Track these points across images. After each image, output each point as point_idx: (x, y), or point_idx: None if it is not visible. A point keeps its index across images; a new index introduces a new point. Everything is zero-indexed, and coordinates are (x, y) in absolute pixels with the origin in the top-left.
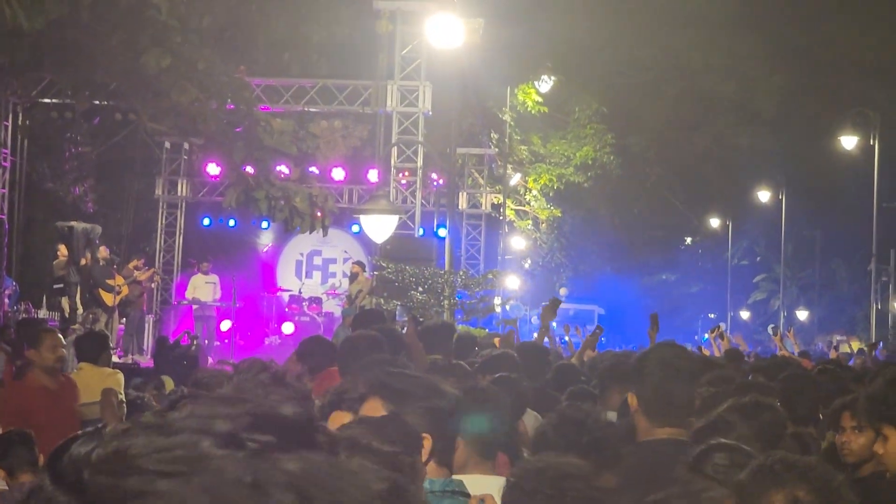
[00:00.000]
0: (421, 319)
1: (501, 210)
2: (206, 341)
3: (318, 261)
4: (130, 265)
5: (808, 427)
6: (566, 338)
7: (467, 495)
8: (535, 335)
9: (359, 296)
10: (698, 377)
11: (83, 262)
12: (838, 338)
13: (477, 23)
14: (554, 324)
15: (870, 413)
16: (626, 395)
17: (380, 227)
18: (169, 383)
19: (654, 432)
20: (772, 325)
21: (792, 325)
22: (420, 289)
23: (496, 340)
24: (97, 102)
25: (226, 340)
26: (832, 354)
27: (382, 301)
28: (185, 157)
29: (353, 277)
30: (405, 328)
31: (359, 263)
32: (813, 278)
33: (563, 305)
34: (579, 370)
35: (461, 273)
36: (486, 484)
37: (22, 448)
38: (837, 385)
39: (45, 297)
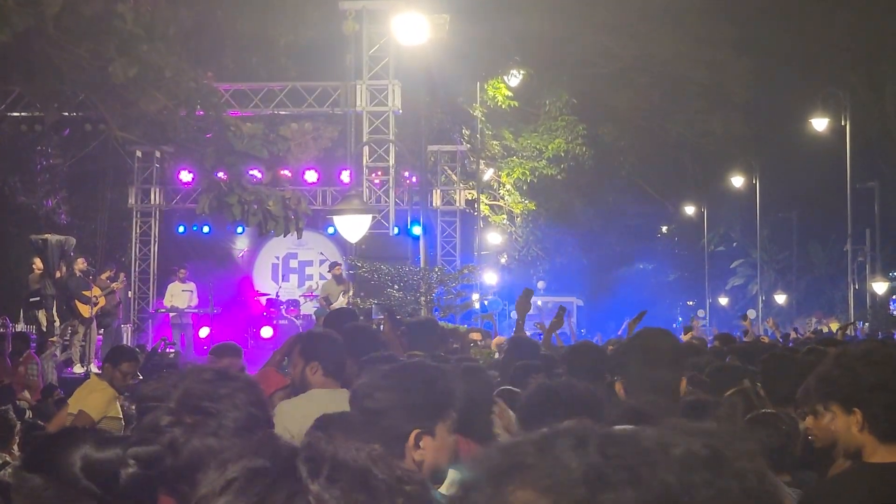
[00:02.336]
0: (398, 317)
1: (476, 206)
2: (185, 349)
3: (294, 264)
4: (103, 276)
5: (787, 407)
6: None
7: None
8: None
9: (332, 297)
10: (682, 362)
11: (58, 274)
12: (815, 320)
13: (443, 19)
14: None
15: (820, 393)
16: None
17: (353, 226)
18: None
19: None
20: (749, 310)
21: (771, 308)
22: (396, 287)
23: (475, 335)
24: (66, 114)
25: (205, 347)
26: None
27: (359, 300)
28: (157, 166)
29: (338, 279)
30: (382, 325)
31: (338, 265)
32: (790, 261)
33: (542, 298)
34: (535, 343)
35: (436, 269)
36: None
37: None
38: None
39: (21, 311)
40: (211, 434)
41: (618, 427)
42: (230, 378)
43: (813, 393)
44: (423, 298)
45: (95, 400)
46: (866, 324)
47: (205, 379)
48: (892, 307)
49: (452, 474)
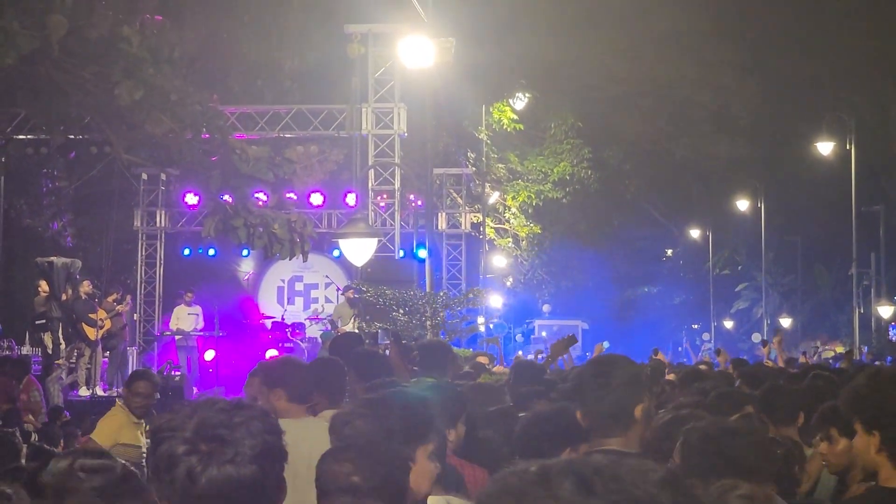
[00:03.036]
0: (403, 341)
1: (481, 229)
2: (190, 372)
3: (299, 287)
4: (109, 298)
5: (788, 430)
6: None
7: None
8: (521, 353)
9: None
10: (635, 384)
11: (64, 297)
12: (818, 345)
13: (448, 42)
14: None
15: (847, 408)
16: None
17: (359, 250)
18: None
19: (601, 444)
20: (755, 333)
21: (777, 332)
22: (401, 311)
23: (482, 359)
24: (72, 137)
25: (210, 370)
26: (801, 359)
27: (364, 324)
28: (163, 188)
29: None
30: (388, 350)
31: (351, 288)
32: (795, 285)
33: (547, 322)
34: (539, 368)
35: (442, 294)
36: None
37: None
38: (831, 391)
39: (27, 334)
40: (228, 462)
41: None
42: (244, 407)
43: (836, 412)
44: (428, 322)
45: (105, 426)
46: (864, 347)
47: (219, 408)
48: (891, 332)
49: (431, 502)
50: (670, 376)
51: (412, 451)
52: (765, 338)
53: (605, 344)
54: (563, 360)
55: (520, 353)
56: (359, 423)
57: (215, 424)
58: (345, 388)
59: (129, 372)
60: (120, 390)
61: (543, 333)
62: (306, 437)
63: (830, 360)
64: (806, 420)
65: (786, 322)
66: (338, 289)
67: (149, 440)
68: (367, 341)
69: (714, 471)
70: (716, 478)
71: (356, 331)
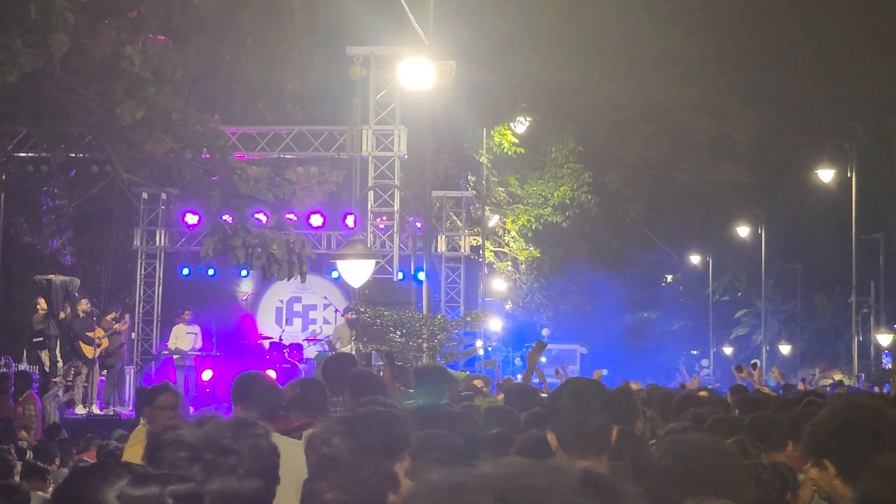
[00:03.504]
0: (399, 363)
1: (480, 252)
2: (188, 391)
3: (298, 307)
4: (108, 317)
5: (777, 456)
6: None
7: None
8: (520, 376)
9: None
10: (610, 407)
11: (62, 315)
12: (816, 372)
13: (449, 65)
14: (543, 359)
15: (812, 448)
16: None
17: (356, 271)
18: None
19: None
20: (753, 361)
21: (775, 359)
22: (398, 332)
23: (478, 382)
24: (73, 155)
25: (207, 390)
26: (799, 386)
27: (361, 345)
28: (163, 208)
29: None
30: (381, 371)
31: (351, 309)
32: (794, 311)
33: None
34: (533, 391)
35: (439, 316)
36: None
37: None
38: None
39: (25, 351)
40: (231, 473)
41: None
42: (252, 425)
43: (809, 449)
44: (425, 345)
45: (135, 449)
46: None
47: (227, 423)
48: (885, 360)
49: None
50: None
51: (390, 467)
52: (763, 364)
53: (604, 371)
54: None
55: (514, 377)
56: (336, 441)
57: (223, 436)
58: (326, 408)
59: (126, 391)
60: (116, 409)
61: (543, 359)
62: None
63: (828, 388)
64: (796, 446)
65: (785, 349)
66: (336, 310)
67: None
68: (361, 362)
69: (688, 487)
70: (691, 494)
71: (352, 352)
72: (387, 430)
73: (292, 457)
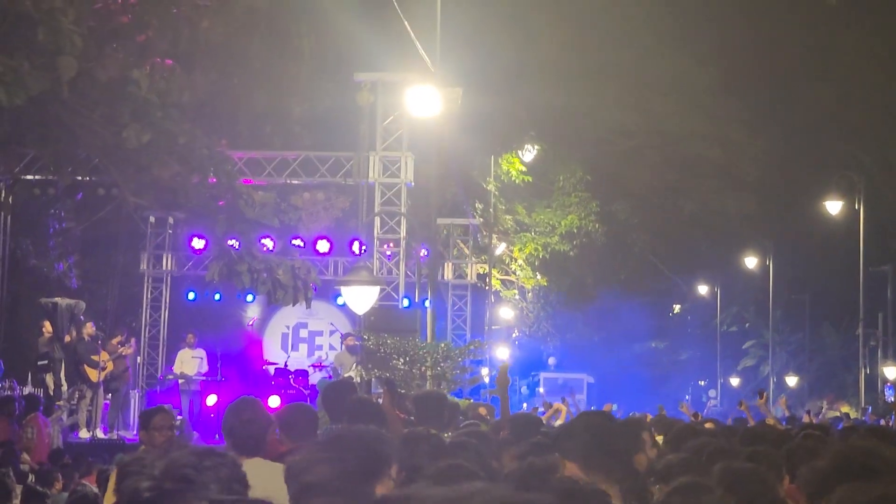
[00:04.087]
0: (402, 391)
1: (487, 280)
2: (193, 416)
3: (304, 333)
4: (114, 341)
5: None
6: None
7: None
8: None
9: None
10: (634, 439)
11: (67, 338)
12: (822, 405)
13: (456, 92)
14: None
15: (811, 488)
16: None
17: (361, 298)
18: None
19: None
20: (760, 389)
21: (783, 390)
22: (402, 360)
23: (482, 410)
24: (80, 178)
25: (212, 415)
26: (805, 418)
27: (363, 372)
28: (170, 232)
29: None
30: (381, 399)
31: (350, 335)
32: (802, 343)
33: (552, 375)
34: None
35: (443, 344)
36: None
37: None
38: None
39: (29, 374)
40: (191, 502)
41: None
42: (216, 454)
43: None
44: (429, 372)
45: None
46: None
47: (191, 452)
48: (888, 392)
49: None
50: (658, 437)
51: (372, 489)
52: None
53: (614, 406)
54: (569, 414)
55: (520, 406)
56: (321, 468)
57: (183, 465)
58: (314, 434)
59: (130, 415)
60: (120, 433)
61: (541, 389)
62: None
63: (830, 421)
64: (793, 479)
65: (792, 381)
66: (342, 336)
67: None
68: (361, 389)
69: None
70: None
71: (354, 378)
72: (366, 453)
73: (271, 481)
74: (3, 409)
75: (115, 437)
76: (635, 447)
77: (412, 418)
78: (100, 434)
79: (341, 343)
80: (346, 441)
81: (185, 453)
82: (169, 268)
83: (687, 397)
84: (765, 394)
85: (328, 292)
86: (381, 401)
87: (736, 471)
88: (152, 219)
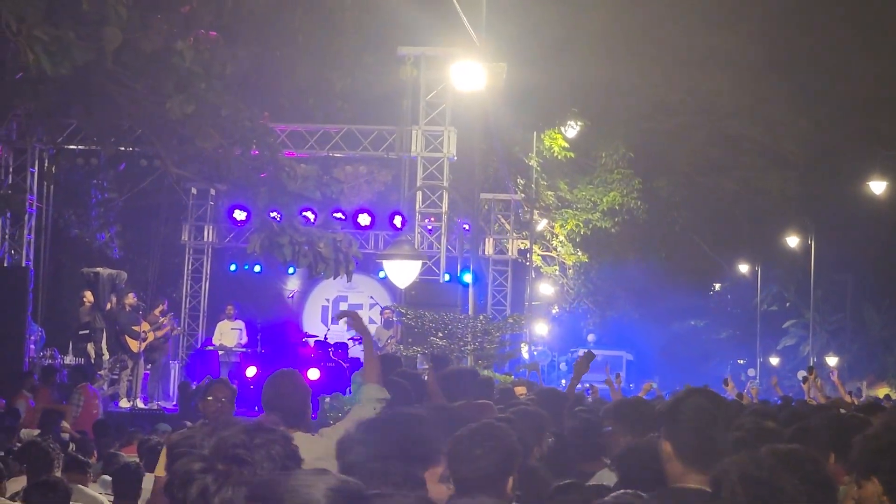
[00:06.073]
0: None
1: (528, 256)
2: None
3: (344, 307)
4: (156, 311)
5: None
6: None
7: None
8: (564, 382)
9: (379, 342)
10: (729, 425)
11: (108, 306)
12: (862, 385)
13: (500, 67)
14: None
15: (860, 464)
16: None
17: (402, 272)
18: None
19: (686, 479)
20: (800, 371)
21: (822, 370)
22: (440, 334)
23: (520, 389)
24: (123, 148)
25: (251, 386)
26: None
27: (402, 348)
28: (212, 203)
29: (387, 323)
30: (426, 375)
31: (387, 309)
32: (843, 323)
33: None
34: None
35: (481, 318)
36: None
37: None
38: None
39: (71, 343)
40: (244, 483)
41: None
42: (266, 430)
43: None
44: (468, 347)
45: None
46: None
47: (240, 429)
48: None
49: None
50: None
51: (418, 474)
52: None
53: (654, 384)
54: (609, 391)
55: (558, 382)
56: (360, 449)
57: (234, 444)
58: (303, 410)
59: (170, 385)
60: (160, 403)
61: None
62: None
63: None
64: (838, 458)
65: (832, 361)
66: (381, 310)
67: None
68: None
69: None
70: None
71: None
72: (407, 435)
73: (310, 454)
74: (46, 378)
75: (155, 406)
76: None
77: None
78: (140, 404)
79: (381, 317)
80: (388, 424)
81: (235, 431)
82: (210, 239)
83: (728, 376)
84: (814, 371)
85: (369, 266)
86: (426, 377)
87: (785, 452)
88: (194, 190)
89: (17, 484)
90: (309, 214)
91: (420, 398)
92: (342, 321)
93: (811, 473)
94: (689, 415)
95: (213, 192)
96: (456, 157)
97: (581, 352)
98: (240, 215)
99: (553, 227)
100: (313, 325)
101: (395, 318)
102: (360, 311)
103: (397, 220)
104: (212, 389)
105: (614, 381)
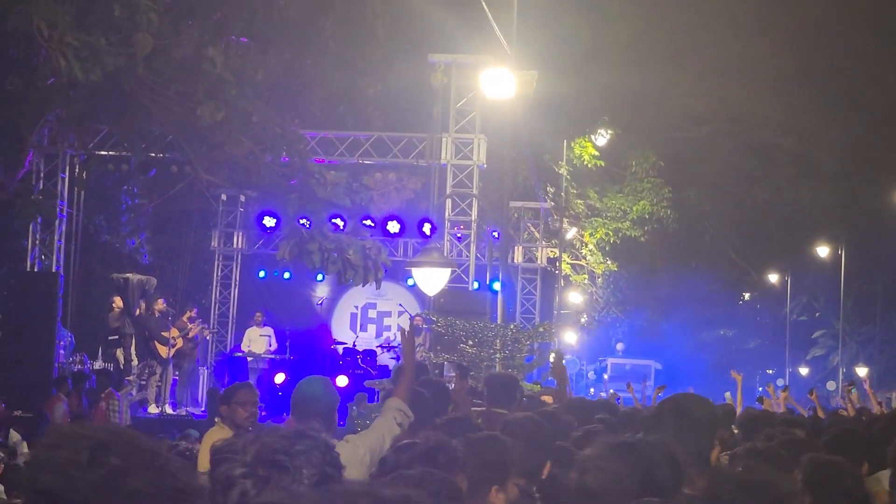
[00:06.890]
0: (471, 373)
1: (557, 264)
2: (260, 394)
3: (372, 314)
4: (185, 317)
5: None
6: (632, 395)
7: None
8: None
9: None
10: (714, 431)
11: (137, 312)
12: (892, 396)
13: (531, 75)
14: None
15: None
16: None
17: (431, 279)
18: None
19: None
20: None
21: (852, 381)
22: (470, 342)
23: (546, 398)
24: (153, 154)
25: (280, 393)
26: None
27: (432, 355)
28: (241, 209)
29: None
30: (453, 383)
31: (417, 316)
32: (873, 334)
33: (620, 360)
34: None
35: (512, 326)
36: None
37: None
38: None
39: (100, 349)
40: (284, 489)
41: None
42: (307, 436)
43: None
44: (498, 355)
45: (206, 456)
46: None
47: (282, 435)
48: None
49: None
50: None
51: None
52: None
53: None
54: (631, 398)
55: (586, 391)
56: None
57: (276, 450)
58: (331, 416)
59: (198, 391)
60: (188, 409)
61: (606, 375)
62: None
63: None
64: (872, 468)
65: (862, 371)
66: (410, 317)
67: None
68: (434, 372)
69: None
70: None
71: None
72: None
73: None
74: (77, 384)
75: (184, 412)
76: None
77: (480, 401)
78: (168, 410)
79: (409, 324)
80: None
81: (276, 437)
82: (239, 246)
83: (760, 389)
84: (853, 384)
85: (398, 273)
86: (452, 385)
87: (821, 463)
88: (224, 196)
89: None
90: (338, 221)
91: (442, 408)
92: (394, 332)
93: (850, 487)
94: (669, 419)
95: (242, 198)
96: (486, 165)
97: (552, 355)
98: (269, 222)
99: (582, 236)
100: (342, 332)
101: (424, 326)
102: (388, 319)
103: (426, 228)
104: (238, 394)
105: (637, 391)
